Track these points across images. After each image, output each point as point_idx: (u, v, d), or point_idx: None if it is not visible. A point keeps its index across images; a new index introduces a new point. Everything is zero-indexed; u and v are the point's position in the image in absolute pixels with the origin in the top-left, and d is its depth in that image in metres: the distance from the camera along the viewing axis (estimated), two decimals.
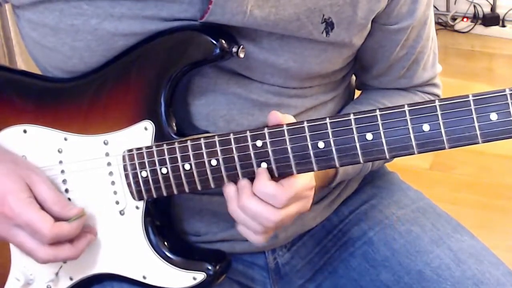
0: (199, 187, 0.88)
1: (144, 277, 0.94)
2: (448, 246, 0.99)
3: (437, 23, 3.76)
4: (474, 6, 3.69)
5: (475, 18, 3.70)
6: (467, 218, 1.20)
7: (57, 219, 0.89)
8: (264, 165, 0.84)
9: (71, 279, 0.97)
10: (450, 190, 2.39)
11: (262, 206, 0.84)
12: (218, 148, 0.86)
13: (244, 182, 0.85)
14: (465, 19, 3.74)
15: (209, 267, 0.92)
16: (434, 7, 3.77)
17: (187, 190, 0.89)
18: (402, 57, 1.03)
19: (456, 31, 3.74)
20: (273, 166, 0.84)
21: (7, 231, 0.89)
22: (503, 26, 3.67)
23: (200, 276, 0.92)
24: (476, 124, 0.76)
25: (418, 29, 1.01)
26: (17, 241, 0.89)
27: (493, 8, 3.67)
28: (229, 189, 0.86)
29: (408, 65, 1.04)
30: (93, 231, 0.94)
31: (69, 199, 0.95)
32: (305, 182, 0.85)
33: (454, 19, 3.78)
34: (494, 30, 3.67)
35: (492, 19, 3.66)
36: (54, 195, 0.90)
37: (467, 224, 1.05)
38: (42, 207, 0.89)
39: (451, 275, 0.95)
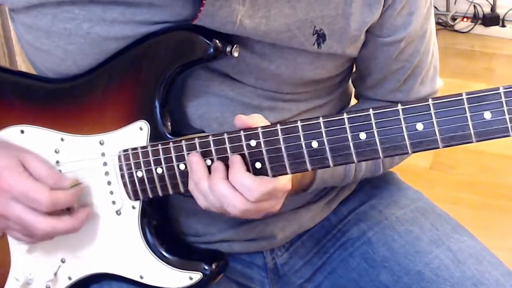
0: None
1: (141, 277, 0.94)
2: (448, 246, 0.99)
3: (437, 23, 3.75)
4: (474, 6, 3.69)
5: (475, 18, 3.70)
6: (467, 218, 1.19)
7: None
8: (258, 165, 0.84)
9: (69, 278, 0.97)
10: (450, 190, 2.39)
11: (232, 193, 0.83)
12: (213, 148, 0.85)
13: (217, 164, 0.85)
14: (465, 19, 3.74)
15: (206, 267, 0.92)
16: (434, 7, 3.76)
17: (182, 190, 0.89)
18: (397, 70, 1.01)
19: (456, 31, 3.74)
20: (267, 165, 0.84)
21: (4, 205, 0.89)
22: (503, 26, 3.66)
23: (197, 276, 0.92)
24: (470, 123, 0.75)
25: (415, 43, 0.98)
26: (15, 215, 0.89)
27: (493, 8, 3.67)
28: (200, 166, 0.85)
29: (403, 78, 1.02)
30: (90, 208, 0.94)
31: None
32: (282, 182, 0.85)
33: (454, 19, 3.77)
34: (494, 30, 3.67)
35: (492, 19, 3.65)
36: (47, 169, 0.91)
37: (466, 224, 1.05)
38: None
39: (451, 275, 0.95)
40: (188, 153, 0.86)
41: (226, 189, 0.83)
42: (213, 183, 0.84)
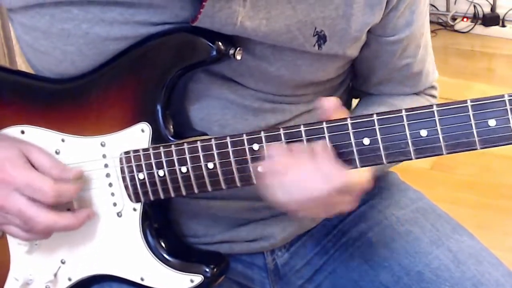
0: (196, 190, 0.88)
1: (142, 279, 0.94)
2: (448, 247, 0.99)
3: (437, 23, 3.76)
4: (474, 6, 3.69)
5: (475, 18, 3.70)
6: (467, 218, 1.19)
7: None
8: (261, 169, 0.84)
9: (69, 279, 0.97)
10: (451, 190, 2.39)
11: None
12: (215, 151, 0.85)
13: (320, 145, 0.80)
14: (465, 19, 3.74)
15: (207, 270, 0.92)
16: (434, 7, 3.77)
17: (184, 193, 0.89)
18: (403, 67, 1.02)
19: (456, 31, 3.74)
20: None
21: (6, 197, 0.88)
22: (503, 26, 3.67)
23: (198, 279, 0.92)
24: (475, 130, 0.75)
25: (417, 39, 1.00)
26: (16, 208, 0.88)
27: (493, 8, 3.67)
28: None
29: (409, 74, 1.03)
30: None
31: None
32: (361, 179, 0.82)
33: (454, 19, 3.77)
34: (494, 30, 3.67)
35: (492, 19, 3.66)
36: (50, 161, 0.91)
37: (467, 224, 1.05)
38: None
39: (451, 276, 0.95)
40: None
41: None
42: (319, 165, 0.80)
